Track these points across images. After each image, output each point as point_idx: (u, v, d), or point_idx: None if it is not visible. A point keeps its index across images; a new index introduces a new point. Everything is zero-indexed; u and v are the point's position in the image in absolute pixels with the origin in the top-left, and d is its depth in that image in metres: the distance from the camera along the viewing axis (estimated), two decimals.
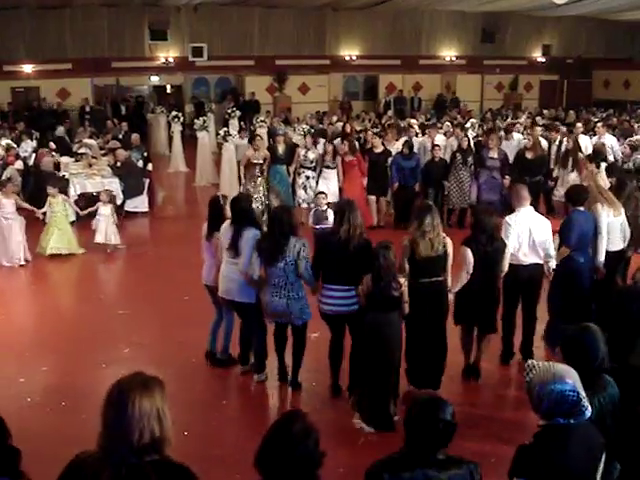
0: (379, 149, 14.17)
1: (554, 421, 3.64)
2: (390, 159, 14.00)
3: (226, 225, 7.41)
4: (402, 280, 6.55)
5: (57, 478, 3.14)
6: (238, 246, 7.17)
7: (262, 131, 18.08)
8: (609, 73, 33.95)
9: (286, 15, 28.33)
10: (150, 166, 16.36)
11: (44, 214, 12.82)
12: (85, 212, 13.17)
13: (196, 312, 9.42)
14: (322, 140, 15.27)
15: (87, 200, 14.79)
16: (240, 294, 7.32)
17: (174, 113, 21.83)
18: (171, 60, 28.17)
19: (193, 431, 6.31)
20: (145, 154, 16.63)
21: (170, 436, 3.06)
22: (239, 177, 14.90)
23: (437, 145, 14.43)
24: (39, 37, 25.53)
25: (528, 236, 7.54)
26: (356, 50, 30.59)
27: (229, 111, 22.13)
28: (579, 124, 15.49)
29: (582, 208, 7.89)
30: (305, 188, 13.89)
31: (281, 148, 14.30)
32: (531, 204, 12.06)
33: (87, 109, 25.92)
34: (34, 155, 16.35)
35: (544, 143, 14.42)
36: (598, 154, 12.35)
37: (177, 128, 21.51)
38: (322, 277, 6.96)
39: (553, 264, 7.71)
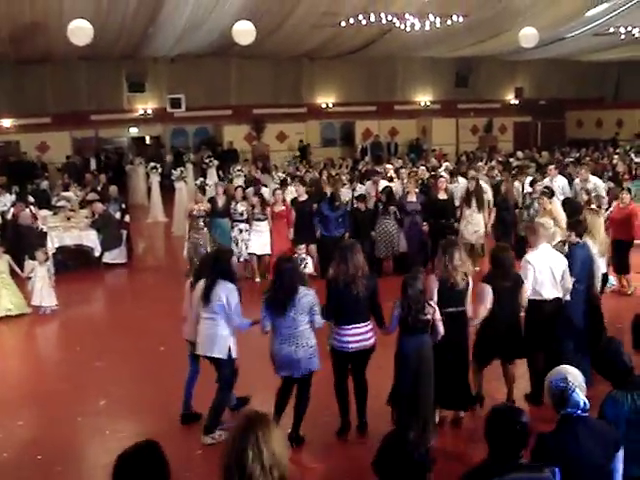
0: (302, 197, 14.13)
1: (565, 412, 4.19)
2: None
3: (202, 282, 7.45)
4: (434, 306, 6.93)
5: None
6: (210, 296, 7.25)
7: (239, 180, 18.23)
8: (581, 113, 34.61)
9: (263, 65, 28.73)
10: (127, 217, 16.49)
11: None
12: (25, 274, 12.35)
13: (172, 362, 9.49)
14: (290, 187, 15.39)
15: (66, 253, 14.92)
16: (212, 349, 7.33)
17: (152, 164, 22.07)
18: (149, 111, 28.49)
19: None
20: (123, 205, 16.78)
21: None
22: None
23: (362, 195, 14.30)
24: (19, 92, 25.78)
25: (549, 272, 7.86)
26: (332, 97, 31.09)
27: (207, 161, 22.35)
28: (551, 166, 16.15)
29: (581, 241, 8.48)
30: (237, 242, 13.65)
31: (221, 201, 14.02)
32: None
33: (72, 160, 26.10)
34: (12, 209, 16.42)
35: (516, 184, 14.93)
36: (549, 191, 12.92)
37: (155, 179, 21.70)
38: (336, 318, 7.12)
39: (568, 297, 8.05)
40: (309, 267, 11.28)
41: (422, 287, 6.91)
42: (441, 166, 20.99)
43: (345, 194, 15.33)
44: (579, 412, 4.17)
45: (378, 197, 14.22)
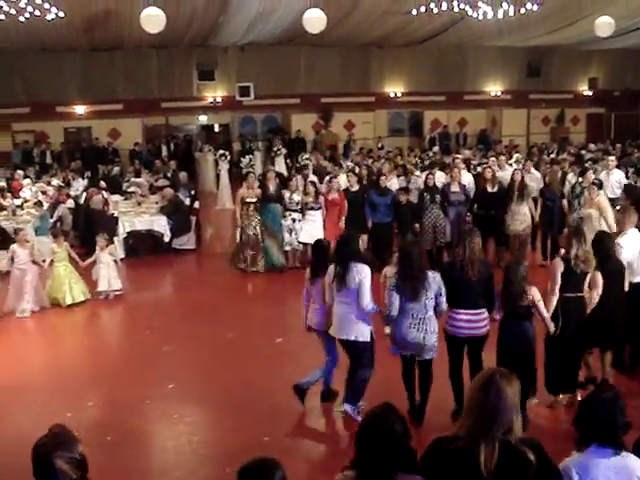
0: (355, 188, 13.98)
1: None
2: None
3: (332, 267, 7.33)
4: (533, 290, 6.94)
5: (421, 458, 3.55)
6: (345, 279, 7.11)
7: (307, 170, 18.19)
8: None
9: (331, 53, 28.62)
10: (197, 204, 16.65)
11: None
12: (85, 263, 12.40)
13: (240, 348, 9.61)
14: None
15: (136, 238, 15.14)
16: (355, 333, 7.22)
17: (221, 151, 22.27)
18: (219, 99, 28.72)
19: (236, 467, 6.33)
20: (192, 192, 16.94)
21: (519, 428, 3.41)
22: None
23: (403, 188, 14.12)
24: (91, 78, 26.34)
25: (639, 255, 7.96)
26: (401, 87, 30.81)
27: (275, 149, 22.40)
28: (612, 157, 15.88)
29: None
30: (290, 231, 13.60)
31: (272, 186, 13.94)
32: (491, 237, 13.11)
33: (137, 149, 26.52)
34: (85, 194, 16.72)
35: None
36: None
37: (224, 166, 21.90)
38: (450, 302, 7.12)
39: None
40: None
41: (525, 273, 6.95)
42: (512, 157, 20.60)
43: (394, 184, 15.02)
44: None
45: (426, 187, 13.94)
